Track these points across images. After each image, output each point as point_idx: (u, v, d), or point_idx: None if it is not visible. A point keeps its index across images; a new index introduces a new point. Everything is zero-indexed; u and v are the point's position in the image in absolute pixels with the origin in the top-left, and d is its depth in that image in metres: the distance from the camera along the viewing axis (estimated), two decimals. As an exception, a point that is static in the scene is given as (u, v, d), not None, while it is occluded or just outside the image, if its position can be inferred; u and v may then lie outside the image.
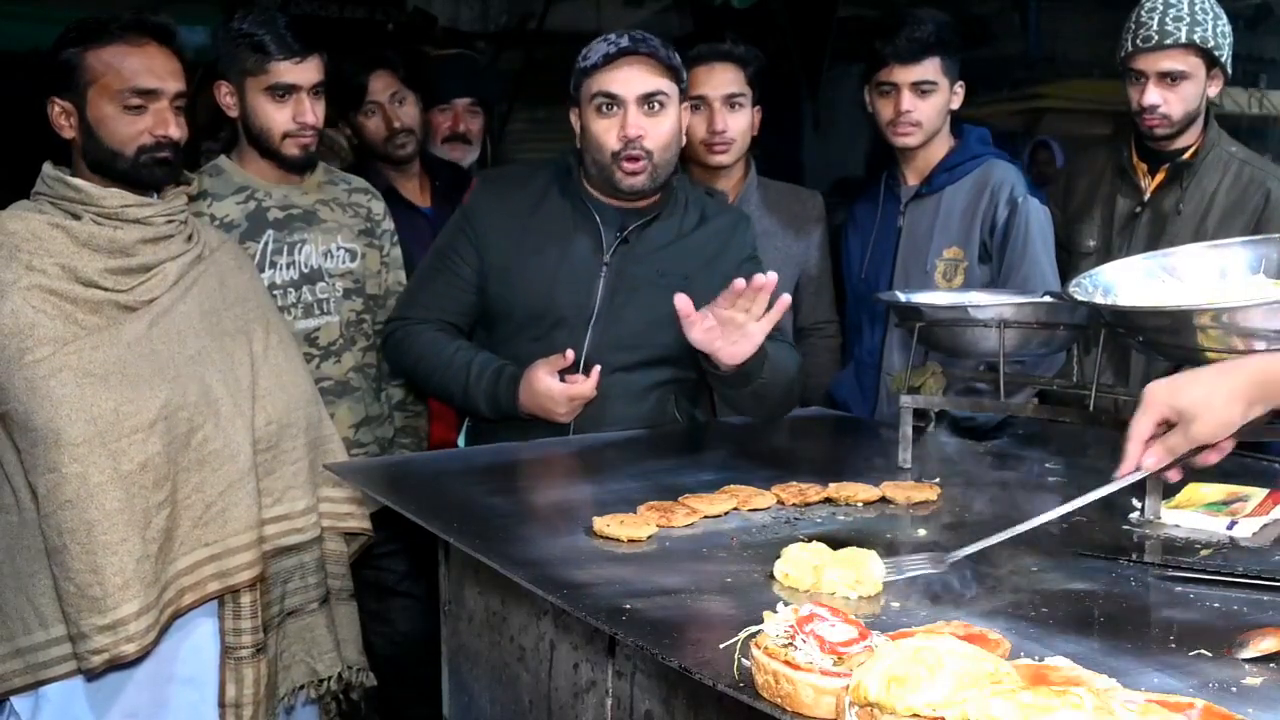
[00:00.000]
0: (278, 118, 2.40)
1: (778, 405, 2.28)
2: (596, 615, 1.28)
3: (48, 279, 1.89)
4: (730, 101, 2.70)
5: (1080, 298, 1.83)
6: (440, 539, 1.77)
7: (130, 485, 1.88)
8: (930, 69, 2.62)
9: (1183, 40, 2.51)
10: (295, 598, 2.20)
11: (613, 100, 2.17)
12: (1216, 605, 1.29)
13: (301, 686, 2.21)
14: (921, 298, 2.21)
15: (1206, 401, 1.35)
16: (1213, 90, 2.60)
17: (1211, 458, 1.41)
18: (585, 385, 2.14)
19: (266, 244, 2.44)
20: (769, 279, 1.94)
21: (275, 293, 2.40)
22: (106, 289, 1.94)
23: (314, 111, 2.43)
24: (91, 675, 1.90)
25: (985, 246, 2.66)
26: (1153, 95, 2.55)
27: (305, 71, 2.40)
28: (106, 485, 1.85)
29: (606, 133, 2.19)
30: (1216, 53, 2.53)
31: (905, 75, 2.62)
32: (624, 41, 2.17)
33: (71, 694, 1.94)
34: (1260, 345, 1.59)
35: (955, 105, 2.71)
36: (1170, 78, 2.54)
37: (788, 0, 6.75)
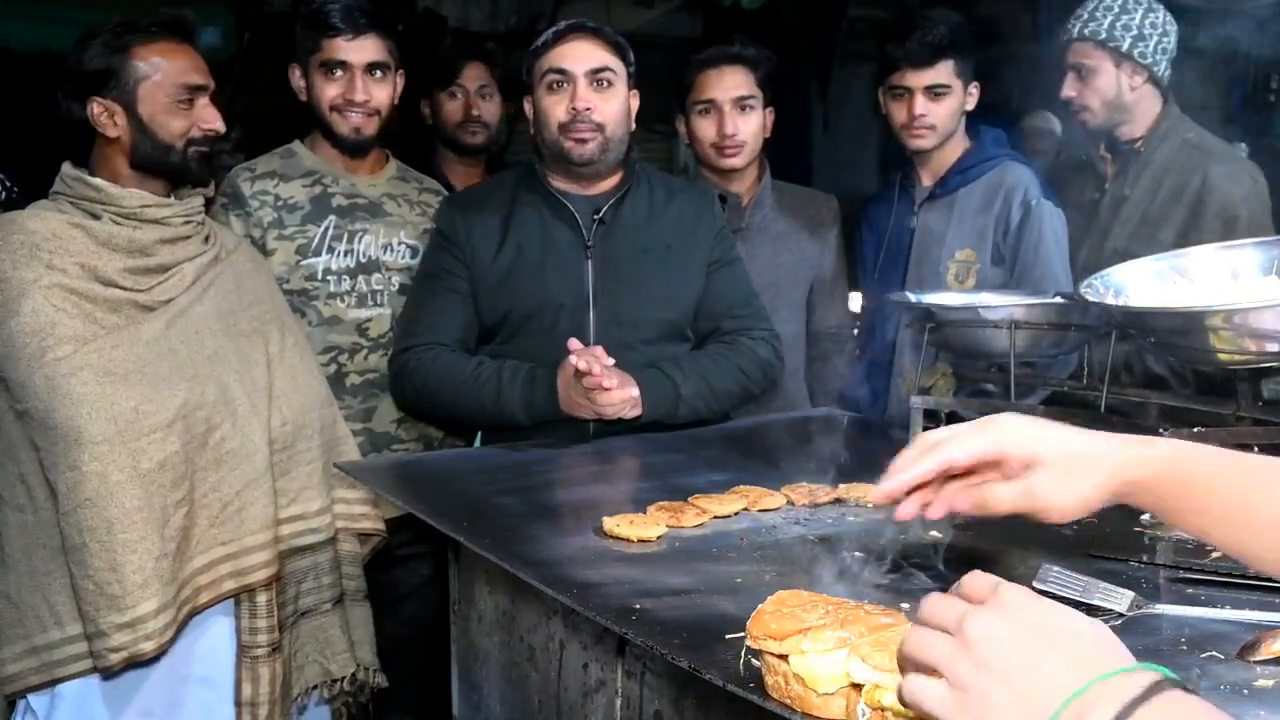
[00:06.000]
0: (328, 91, 2.43)
1: (720, 411, 2.33)
2: (606, 615, 1.29)
3: (68, 278, 1.91)
4: (740, 104, 2.68)
5: (1091, 298, 1.82)
6: (450, 538, 1.77)
7: (149, 484, 1.89)
8: (943, 72, 2.62)
9: (1087, 35, 2.61)
10: (310, 598, 2.21)
11: (563, 76, 2.23)
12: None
13: (315, 686, 2.22)
14: (933, 298, 2.21)
15: (1069, 467, 1.04)
16: (1137, 81, 2.64)
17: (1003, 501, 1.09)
18: (594, 365, 2.09)
19: (327, 229, 2.44)
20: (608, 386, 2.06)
21: (329, 278, 2.41)
22: (125, 288, 1.96)
23: (366, 90, 2.42)
24: (109, 673, 1.91)
25: (999, 249, 2.65)
26: (1069, 88, 2.68)
27: (359, 49, 2.42)
28: (126, 484, 1.86)
29: (555, 106, 2.24)
30: (1121, 46, 2.61)
31: (918, 79, 2.61)
32: (572, 21, 2.26)
33: (87, 692, 1.96)
34: (1272, 347, 1.58)
35: (970, 106, 2.70)
36: (1079, 72, 2.65)
37: (798, 1, 6.74)
